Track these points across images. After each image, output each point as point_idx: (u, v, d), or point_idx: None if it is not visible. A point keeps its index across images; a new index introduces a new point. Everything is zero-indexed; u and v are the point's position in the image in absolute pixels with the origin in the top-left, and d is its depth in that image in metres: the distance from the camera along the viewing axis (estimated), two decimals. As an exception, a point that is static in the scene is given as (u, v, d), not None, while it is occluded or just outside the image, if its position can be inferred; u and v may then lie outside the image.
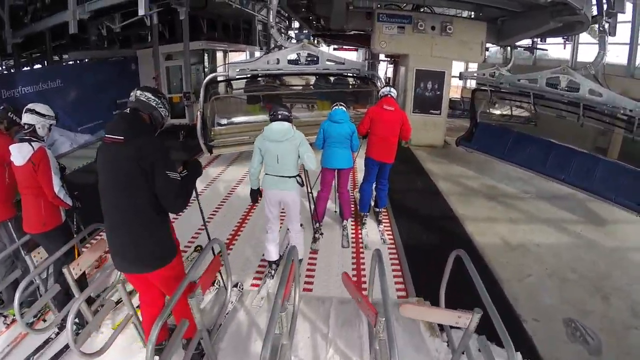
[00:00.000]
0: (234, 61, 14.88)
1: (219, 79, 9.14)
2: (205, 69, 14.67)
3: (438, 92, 11.49)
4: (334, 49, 20.13)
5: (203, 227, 4.24)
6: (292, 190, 4.51)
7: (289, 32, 16.19)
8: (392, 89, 6.06)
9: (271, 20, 8.96)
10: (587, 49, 14.68)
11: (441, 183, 8.57)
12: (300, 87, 11.44)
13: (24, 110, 3.59)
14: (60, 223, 3.74)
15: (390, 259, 5.43)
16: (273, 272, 4.83)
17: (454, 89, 11.39)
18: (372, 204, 6.56)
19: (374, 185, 6.28)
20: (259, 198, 4.83)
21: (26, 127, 3.57)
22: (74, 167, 8.96)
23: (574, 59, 15.51)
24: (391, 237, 6.06)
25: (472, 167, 9.66)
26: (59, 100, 10.44)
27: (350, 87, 10.66)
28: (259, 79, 9.37)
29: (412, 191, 8.05)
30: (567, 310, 4.44)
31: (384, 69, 19.75)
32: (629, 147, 8.65)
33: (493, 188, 8.47)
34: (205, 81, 8.19)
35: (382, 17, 10.84)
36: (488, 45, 12.28)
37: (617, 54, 13.00)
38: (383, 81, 10.47)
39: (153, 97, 2.93)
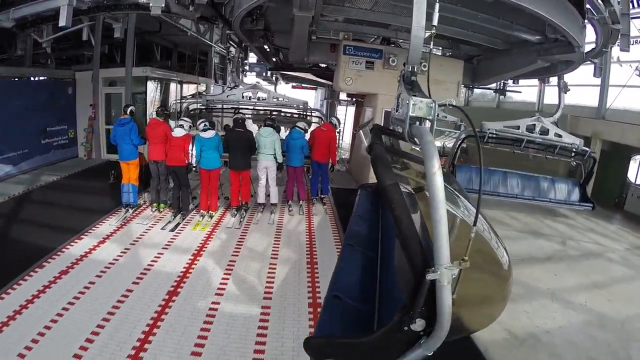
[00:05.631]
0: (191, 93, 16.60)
1: (197, 105, 11.68)
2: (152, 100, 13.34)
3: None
4: (292, 87, 19.02)
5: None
6: (271, 160, 8.30)
7: (245, 64, 14.91)
8: (333, 118, 10.00)
9: (232, 68, 12.83)
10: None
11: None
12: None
13: (179, 119, 8.47)
14: (186, 165, 8.02)
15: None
16: (262, 209, 8.59)
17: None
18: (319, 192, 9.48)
19: (319, 178, 9.30)
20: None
21: (182, 124, 7.97)
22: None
23: (541, 102, 14.99)
24: (332, 214, 8.88)
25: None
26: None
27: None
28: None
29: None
30: None
31: (344, 111, 18.57)
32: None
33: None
34: (191, 107, 11.58)
35: (349, 50, 9.64)
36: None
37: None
38: (322, 114, 12.61)
39: (244, 116, 9.00)
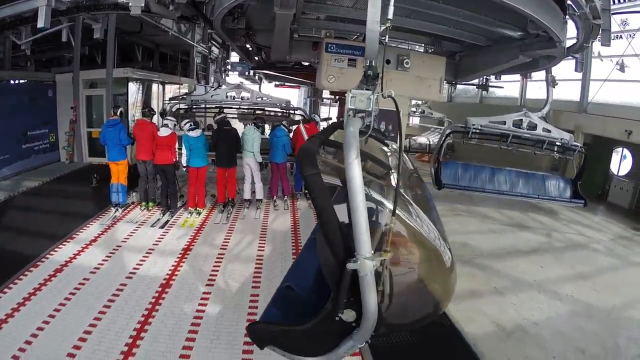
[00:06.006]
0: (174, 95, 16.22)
1: (183, 105, 11.86)
2: (133, 101, 13.02)
3: (392, 135, 10.18)
4: (275, 86, 18.89)
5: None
6: (252, 158, 8.64)
7: (227, 64, 14.69)
8: (315, 116, 11.58)
9: (215, 68, 13.69)
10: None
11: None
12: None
13: (164, 119, 8.45)
14: (173, 163, 8.15)
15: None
16: (248, 205, 8.98)
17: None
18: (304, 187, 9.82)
19: None
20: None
21: (167, 123, 8.15)
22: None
23: (523, 97, 15.17)
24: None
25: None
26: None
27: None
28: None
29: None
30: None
31: (327, 110, 18.60)
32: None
33: (465, 246, 7.38)
34: (176, 107, 11.65)
35: (331, 48, 9.51)
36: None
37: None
38: (305, 113, 13.02)
39: (226, 115, 10.04)
